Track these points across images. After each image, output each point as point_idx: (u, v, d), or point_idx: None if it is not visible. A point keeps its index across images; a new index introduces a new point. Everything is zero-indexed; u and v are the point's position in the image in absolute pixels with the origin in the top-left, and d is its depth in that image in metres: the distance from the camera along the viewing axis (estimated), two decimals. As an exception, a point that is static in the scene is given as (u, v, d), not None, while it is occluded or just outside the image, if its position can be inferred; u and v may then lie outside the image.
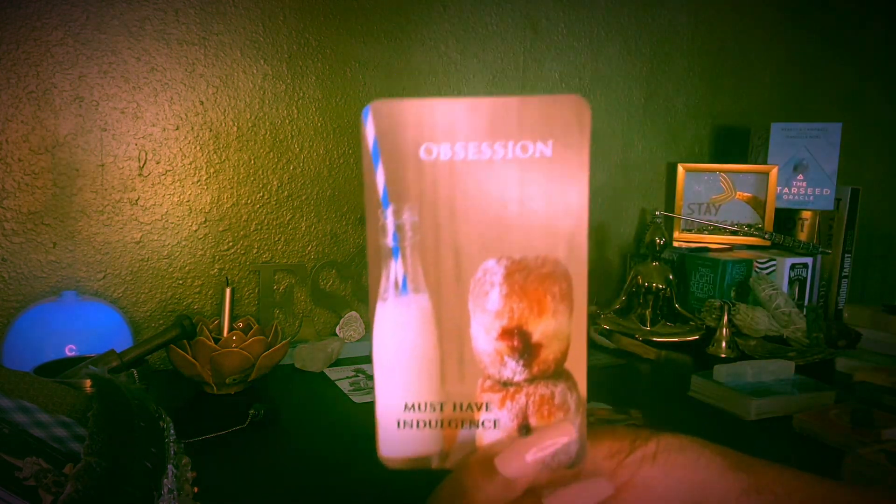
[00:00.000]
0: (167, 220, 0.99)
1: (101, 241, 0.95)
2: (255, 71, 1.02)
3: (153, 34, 0.95)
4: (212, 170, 1.01)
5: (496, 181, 0.31)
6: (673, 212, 1.40)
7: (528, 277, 0.32)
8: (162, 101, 0.97)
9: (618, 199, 1.41)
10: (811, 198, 1.39)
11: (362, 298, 1.15)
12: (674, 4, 1.43)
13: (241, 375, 0.87)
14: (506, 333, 0.32)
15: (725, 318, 1.11)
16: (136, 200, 0.97)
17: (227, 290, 0.93)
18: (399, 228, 0.31)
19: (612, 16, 1.35)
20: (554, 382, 0.33)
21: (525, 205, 0.31)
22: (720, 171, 1.40)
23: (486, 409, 0.34)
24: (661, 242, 1.20)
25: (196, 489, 0.49)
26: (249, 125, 1.03)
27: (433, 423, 0.35)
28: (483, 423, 0.34)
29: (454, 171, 0.31)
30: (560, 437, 0.34)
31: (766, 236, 1.33)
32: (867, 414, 0.79)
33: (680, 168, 1.41)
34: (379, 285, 0.32)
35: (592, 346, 1.19)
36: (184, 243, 1.01)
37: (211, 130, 1.00)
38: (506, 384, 0.33)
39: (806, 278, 1.28)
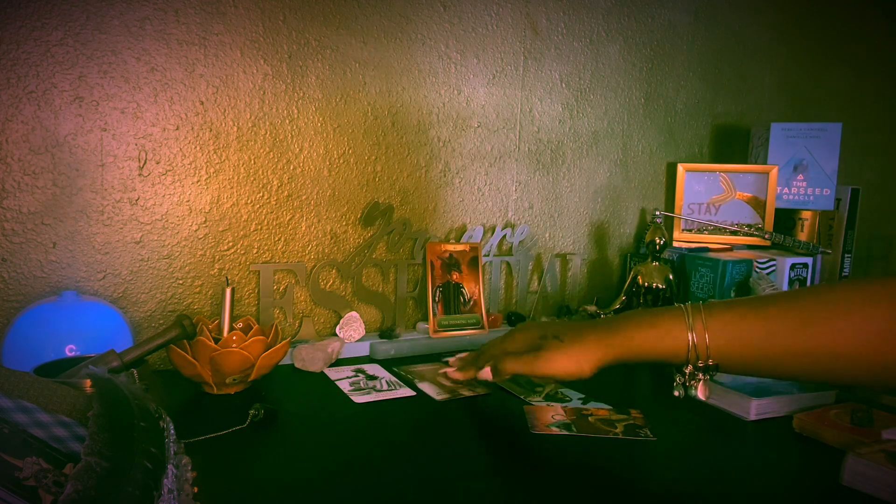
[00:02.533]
0: (167, 220, 0.99)
1: (101, 241, 0.95)
2: (255, 71, 1.02)
3: (153, 34, 0.95)
4: (212, 170, 1.01)
5: None
6: (673, 212, 1.40)
7: None
8: (162, 101, 0.97)
9: (618, 199, 1.41)
10: (811, 198, 1.39)
11: (362, 298, 1.15)
12: (674, 4, 1.43)
13: (241, 375, 0.87)
14: None
15: (725, 318, 1.11)
16: (136, 200, 0.97)
17: (227, 290, 0.93)
18: None
19: (612, 16, 1.35)
20: None
21: None
22: (720, 171, 1.40)
23: None
24: (661, 242, 1.20)
25: (196, 489, 0.49)
26: (249, 125, 1.03)
27: None
28: None
29: None
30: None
31: (766, 236, 1.33)
32: (867, 414, 0.79)
33: (680, 168, 1.41)
34: None
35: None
36: (184, 243, 1.01)
37: (211, 130, 1.00)
38: None
39: (806, 278, 1.28)
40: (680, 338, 0.65)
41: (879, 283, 0.59)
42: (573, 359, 0.70)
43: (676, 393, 0.69)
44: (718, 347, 0.64)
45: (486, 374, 0.77)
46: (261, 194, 1.05)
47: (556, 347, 0.71)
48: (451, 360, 0.86)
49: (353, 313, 1.11)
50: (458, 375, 0.83)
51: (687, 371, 0.67)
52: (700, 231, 1.39)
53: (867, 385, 0.69)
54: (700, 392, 0.67)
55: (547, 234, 1.34)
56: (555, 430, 0.78)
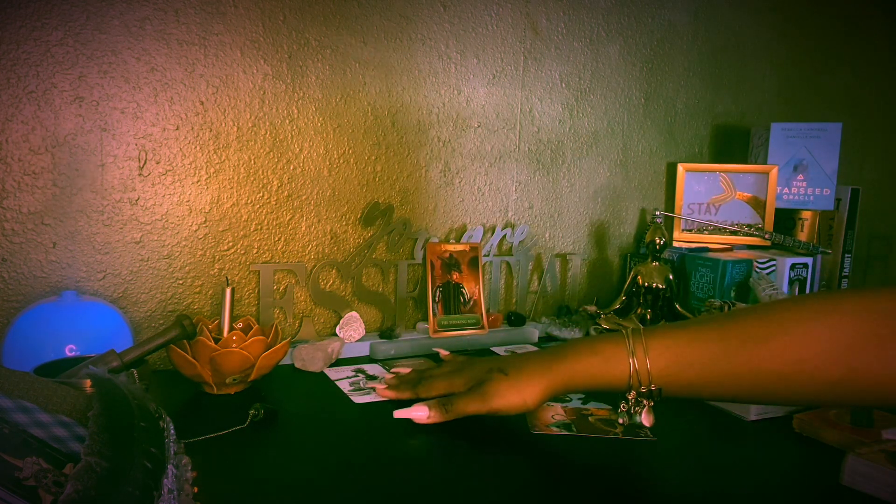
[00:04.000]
0: (167, 220, 0.99)
1: (101, 241, 0.95)
2: (255, 71, 1.02)
3: (153, 34, 0.95)
4: (212, 170, 1.01)
5: None
6: (673, 212, 1.40)
7: None
8: (162, 101, 0.97)
9: (618, 199, 1.41)
10: (811, 198, 1.39)
11: (362, 298, 1.15)
12: (674, 4, 1.43)
13: (241, 375, 0.87)
14: None
15: (725, 318, 1.11)
16: (136, 200, 0.97)
17: (227, 290, 0.93)
18: None
19: (612, 16, 1.35)
20: None
21: None
22: (720, 171, 1.40)
23: None
24: (661, 242, 1.20)
25: (196, 489, 0.49)
26: (249, 125, 1.03)
27: None
28: None
29: None
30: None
31: (766, 236, 1.34)
32: (867, 414, 0.79)
33: (680, 168, 1.41)
34: None
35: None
36: (184, 243, 1.01)
37: (211, 130, 1.00)
38: None
39: (806, 278, 1.28)
40: (621, 364, 0.65)
41: (818, 300, 0.58)
42: (517, 391, 0.70)
43: (621, 420, 0.69)
44: (660, 372, 0.63)
45: (421, 418, 0.75)
46: (261, 194, 1.05)
47: (501, 381, 0.71)
48: (387, 375, 0.84)
49: (353, 313, 1.11)
50: (390, 394, 0.82)
51: (630, 397, 0.66)
52: (700, 231, 1.39)
53: (813, 404, 0.68)
54: (644, 419, 0.67)
55: (547, 234, 1.34)
56: (555, 430, 0.78)
